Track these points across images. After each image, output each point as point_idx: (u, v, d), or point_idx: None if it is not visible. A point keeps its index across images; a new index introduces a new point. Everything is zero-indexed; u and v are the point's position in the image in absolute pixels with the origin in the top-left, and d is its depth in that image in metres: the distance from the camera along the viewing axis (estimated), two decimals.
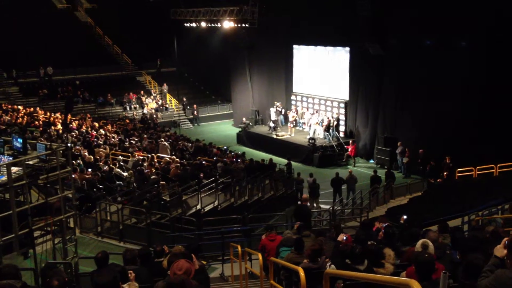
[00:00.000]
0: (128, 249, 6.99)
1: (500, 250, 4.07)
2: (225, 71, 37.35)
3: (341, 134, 28.11)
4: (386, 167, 23.46)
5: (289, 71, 32.06)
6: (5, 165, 8.18)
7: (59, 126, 24.38)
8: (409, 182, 21.74)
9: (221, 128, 37.29)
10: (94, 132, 24.52)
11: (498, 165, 19.45)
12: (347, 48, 27.83)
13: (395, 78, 24.81)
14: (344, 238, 7.76)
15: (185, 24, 37.14)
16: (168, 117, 37.89)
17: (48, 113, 29.35)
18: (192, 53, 39.85)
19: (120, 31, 42.11)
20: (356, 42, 26.17)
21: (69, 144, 13.72)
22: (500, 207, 13.47)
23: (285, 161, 23.64)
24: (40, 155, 8.79)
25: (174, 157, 20.88)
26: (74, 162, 15.35)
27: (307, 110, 30.22)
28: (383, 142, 25.43)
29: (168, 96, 39.39)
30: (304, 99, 31.11)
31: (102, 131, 25.51)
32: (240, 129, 33.16)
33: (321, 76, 29.98)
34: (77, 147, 19.61)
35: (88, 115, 31.30)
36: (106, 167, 17.50)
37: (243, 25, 31.97)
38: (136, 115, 36.06)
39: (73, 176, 10.97)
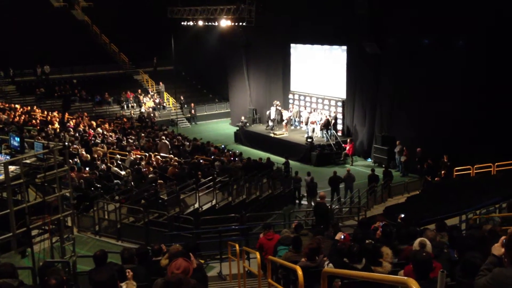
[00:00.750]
0: (126, 248, 7.00)
1: (497, 249, 4.06)
2: (223, 69, 37.30)
3: (339, 133, 28.12)
4: (383, 165, 23.48)
5: (286, 70, 32.03)
6: (2, 164, 8.17)
7: (57, 125, 24.33)
8: (407, 180, 21.73)
9: (219, 127, 37.25)
10: (91, 131, 24.48)
11: (496, 163, 19.47)
12: (344, 47, 27.80)
13: (393, 77, 24.77)
14: (342, 236, 7.75)
15: (182, 23, 37.01)
16: (166, 115, 37.86)
17: (46, 112, 29.30)
18: (189, 51, 39.81)
19: (117, 30, 41.99)
20: (354, 41, 26.16)
21: (66, 143, 13.70)
22: (498, 205, 13.45)
23: (282, 159, 23.62)
24: (38, 154, 8.77)
25: (172, 155, 20.86)
26: (71, 161, 15.32)
27: (305, 108, 30.20)
28: (381, 140, 25.42)
29: (165, 95, 39.35)
30: (302, 97, 31.11)
31: (99, 129, 25.47)
32: (237, 128, 33.14)
33: (319, 74, 29.96)
34: (75, 146, 19.58)
35: (86, 114, 31.25)
36: (103, 166, 17.48)
37: (240, 23, 31.91)
38: (133, 113, 36.01)
39: (70, 175, 10.95)
